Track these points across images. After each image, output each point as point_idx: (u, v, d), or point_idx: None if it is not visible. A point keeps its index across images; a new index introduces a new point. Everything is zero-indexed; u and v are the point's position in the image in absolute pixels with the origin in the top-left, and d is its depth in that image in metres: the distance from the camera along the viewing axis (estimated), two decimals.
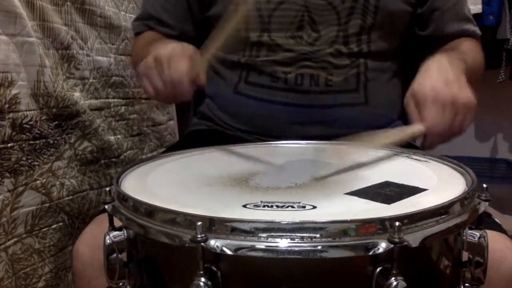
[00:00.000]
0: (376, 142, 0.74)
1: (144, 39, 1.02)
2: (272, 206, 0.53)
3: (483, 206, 0.55)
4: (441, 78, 0.74)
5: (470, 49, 0.97)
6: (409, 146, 0.89)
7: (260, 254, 0.46)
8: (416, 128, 0.74)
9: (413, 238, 0.47)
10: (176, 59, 0.75)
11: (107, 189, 0.59)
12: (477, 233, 0.55)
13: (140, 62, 0.80)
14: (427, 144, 0.74)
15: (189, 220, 0.48)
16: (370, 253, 0.46)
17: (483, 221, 0.57)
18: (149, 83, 0.78)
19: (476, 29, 1.02)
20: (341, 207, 0.55)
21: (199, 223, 0.46)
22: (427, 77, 0.75)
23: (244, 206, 0.53)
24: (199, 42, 1.03)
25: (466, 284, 0.56)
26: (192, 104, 1.17)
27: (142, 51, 0.93)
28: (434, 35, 0.98)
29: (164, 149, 1.34)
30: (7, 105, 0.87)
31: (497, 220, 0.75)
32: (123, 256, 0.57)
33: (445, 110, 0.72)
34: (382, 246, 0.46)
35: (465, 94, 0.73)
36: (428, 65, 0.78)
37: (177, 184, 0.65)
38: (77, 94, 1.04)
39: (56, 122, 0.99)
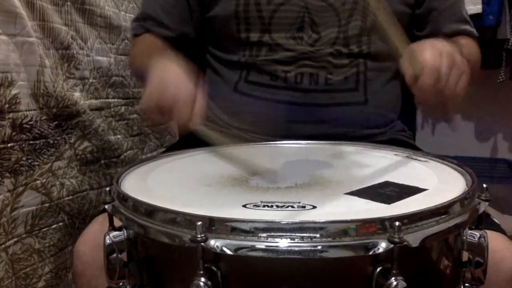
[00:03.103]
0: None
1: (143, 43, 1.01)
2: (272, 206, 0.53)
3: (483, 206, 0.55)
4: (438, 41, 0.73)
5: (466, 44, 0.97)
6: (409, 146, 0.89)
7: (260, 254, 0.46)
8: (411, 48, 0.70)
9: (413, 238, 0.47)
10: (178, 110, 0.73)
11: (107, 189, 0.59)
12: (477, 233, 0.55)
13: (137, 67, 0.79)
14: (422, 84, 0.70)
15: (189, 220, 0.48)
16: (370, 253, 0.46)
17: (483, 221, 0.57)
18: (150, 104, 0.76)
19: (473, 30, 1.02)
20: (341, 207, 0.55)
21: (199, 223, 0.46)
22: (422, 43, 0.73)
23: (244, 206, 0.53)
24: (199, 43, 1.04)
25: (466, 284, 0.56)
26: None
27: (141, 58, 0.93)
28: (431, 36, 0.98)
29: (164, 149, 1.34)
30: (7, 105, 0.87)
31: (496, 220, 0.75)
32: (123, 256, 0.57)
33: (443, 56, 0.70)
34: (382, 246, 0.46)
35: (460, 58, 0.72)
36: (421, 42, 0.76)
37: (177, 184, 0.65)
38: (77, 94, 1.04)
39: (56, 122, 0.99)
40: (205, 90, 0.75)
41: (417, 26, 1.00)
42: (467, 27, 1.01)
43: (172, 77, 0.76)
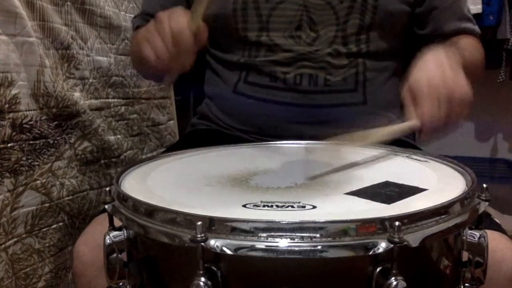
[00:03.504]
0: (373, 138, 0.74)
1: (142, 29, 1.02)
2: (272, 206, 0.53)
3: (483, 206, 0.55)
4: (438, 71, 0.74)
5: (468, 44, 0.97)
6: (409, 146, 0.89)
7: (260, 254, 0.46)
8: (412, 122, 0.74)
9: (413, 238, 0.47)
10: (176, 15, 0.75)
11: (107, 189, 0.59)
12: (477, 233, 0.55)
13: (139, 50, 0.80)
14: (423, 138, 0.75)
15: (189, 220, 0.48)
16: (370, 253, 0.46)
17: (483, 221, 0.57)
18: (150, 47, 0.77)
19: (475, 27, 1.02)
20: (341, 207, 0.55)
21: (199, 223, 0.46)
22: (423, 69, 0.75)
23: (244, 206, 0.53)
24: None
25: (466, 284, 0.56)
26: (192, 104, 1.17)
27: (142, 39, 0.93)
28: (433, 34, 0.98)
29: (164, 149, 1.34)
30: (7, 105, 0.87)
31: (496, 220, 0.75)
32: (123, 256, 0.57)
33: (441, 104, 0.72)
34: (382, 246, 0.46)
35: (462, 89, 0.73)
36: (425, 57, 0.77)
37: (177, 184, 0.65)
38: (77, 94, 1.04)
39: (56, 122, 0.99)
40: (202, 18, 0.76)
41: (419, 25, 1.00)
42: (469, 25, 1.01)
43: (165, 14, 0.76)
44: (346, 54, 0.93)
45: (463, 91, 0.73)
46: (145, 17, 1.03)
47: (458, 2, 1.00)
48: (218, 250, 0.46)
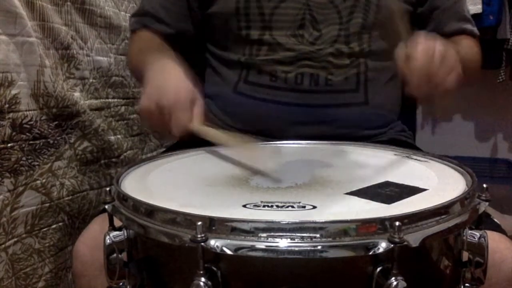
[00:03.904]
0: None
1: (140, 41, 1.01)
2: (272, 206, 0.53)
3: (483, 206, 0.55)
4: (432, 42, 0.74)
5: (466, 44, 0.98)
6: (409, 146, 0.89)
7: (260, 254, 0.46)
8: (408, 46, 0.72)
9: (413, 238, 0.47)
10: (179, 110, 0.73)
11: (107, 189, 0.59)
12: (477, 233, 0.55)
13: (134, 65, 0.79)
14: (413, 68, 0.71)
15: (189, 220, 0.48)
16: (370, 253, 0.46)
17: (483, 222, 0.57)
18: (148, 108, 0.75)
19: (474, 29, 1.02)
20: (341, 207, 0.55)
21: (199, 223, 0.46)
22: (417, 40, 0.75)
23: (244, 206, 0.53)
24: (198, 41, 1.04)
25: (466, 284, 0.56)
26: None
27: (138, 56, 0.93)
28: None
29: (164, 149, 1.34)
30: (7, 105, 0.87)
31: (496, 220, 0.75)
32: (123, 256, 0.57)
33: (435, 50, 0.71)
34: (382, 246, 0.46)
35: (453, 57, 0.73)
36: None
37: (177, 184, 0.65)
38: (77, 94, 1.04)
39: (56, 122, 0.99)
40: (203, 92, 0.75)
41: (419, 25, 1.00)
42: (469, 26, 1.01)
43: (172, 78, 0.76)
44: (348, 53, 0.93)
45: (454, 59, 0.73)
46: (142, 19, 1.01)
47: (459, 2, 1.01)
48: (218, 250, 0.46)
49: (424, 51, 0.71)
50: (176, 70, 0.78)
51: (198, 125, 0.74)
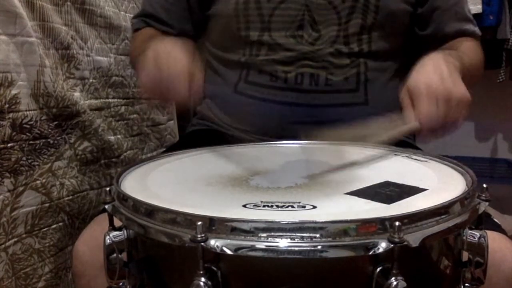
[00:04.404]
0: (372, 140, 0.74)
1: (143, 34, 1.02)
2: (272, 206, 0.53)
3: (483, 206, 0.55)
4: (436, 73, 0.74)
5: (468, 48, 0.97)
6: (409, 146, 0.89)
7: (260, 254, 0.46)
8: (410, 124, 0.74)
9: (413, 238, 0.47)
10: (175, 56, 0.74)
11: (107, 189, 0.59)
12: (477, 233, 0.55)
13: (138, 57, 0.80)
14: (421, 139, 0.75)
15: (189, 220, 0.48)
16: (370, 253, 0.46)
17: (483, 222, 0.57)
18: (146, 77, 0.77)
19: (476, 29, 1.02)
20: (341, 207, 0.55)
21: (199, 223, 0.46)
22: (422, 72, 0.76)
23: (244, 206, 0.53)
24: (198, 41, 1.04)
25: (466, 284, 0.56)
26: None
27: (142, 45, 0.93)
28: (434, 35, 0.98)
29: (164, 149, 1.34)
30: (7, 105, 0.87)
31: (496, 220, 0.75)
32: (123, 256, 0.57)
33: (439, 104, 0.72)
34: (382, 246, 0.46)
35: (459, 89, 0.74)
36: (423, 62, 0.78)
37: (177, 184, 0.65)
38: (77, 94, 1.04)
39: (56, 122, 0.99)
40: (201, 66, 0.75)
41: (420, 25, 1.00)
42: (470, 27, 1.01)
43: (167, 51, 0.75)
44: (347, 53, 0.93)
45: (461, 92, 0.73)
46: (144, 19, 1.02)
47: (459, 3, 1.00)
48: (218, 250, 0.46)
49: (428, 127, 0.72)
50: (174, 45, 0.77)
51: (195, 102, 0.74)
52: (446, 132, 0.75)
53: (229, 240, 0.46)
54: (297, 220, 0.47)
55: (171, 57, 0.74)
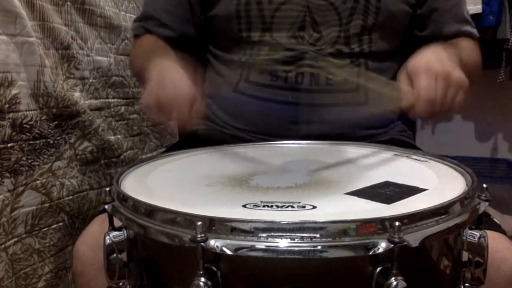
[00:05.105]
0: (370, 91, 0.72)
1: (143, 45, 1.01)
2: (272, 206, 0.53)
3: (483, 206, 0.55)
4: (435, 58, 0.74)
5: (466, 47, 0.97)
6: (409, 146, 0.89)
7: (260, 254, 0.46)
8: (408, 94, 0.72)
9: (413, 238, 0.47)
10: (178, 107, 0.73)
11: (107, 189, 0.59)
12: (477, 233, 0.55)
13: (137, 68, 0.80)
14: (418, 115, 0.72)
15: (189, 220, 0.48)
16: (370, 253, 0.46)
17: (483, 222, 0.57)
18: (149, 99, 0.75)
19: (474, 31, 1.02)
20: (341, 207, 0.55)
21: (199, 223, 0.46)
22: (420, 56, 0.75)
23: (244, 206, 0.53)
24: (200, 43, 1.04)
25: (466, 284, 0.56)
26: None
27: (141, 59, 0.93)
28: (432, 36, 0.98)
29: (164, 149, 1.34)
30: (7, 105, 0.87)
31: (496, 220, 0.75)
32: (123, 256, 0.57)
33: (438, 80, 0.71)
34: (382, 246, 0.46)
35: (458, 73, 0.73)
36: (422, 50, 0.78)
37: (177, 184, 0.65)
38: (77, 94, 1.04)
39: (56, 122, 0.99)
40: (204, 89, 0.76)
41: (419, 27, 1.00)
42: (468, 28, 1.01)
43: (170, 76, 0.76)
44: (348, 54, 0.93)
45: (459, 75, 0.73)
46: (144, 24, 1.02)
47: (458, 4, 1.00)
48: (218, 250, 0.46)
49: (426, 99, 0.70)
50: (176, 70, 0.78)
51: (197, 124, 0.74)
52: (443, 113, 0.72)
53: (229, 240, 0.46)
54: (297, 220, 0.47)
55: (174, 109, 0.73)
